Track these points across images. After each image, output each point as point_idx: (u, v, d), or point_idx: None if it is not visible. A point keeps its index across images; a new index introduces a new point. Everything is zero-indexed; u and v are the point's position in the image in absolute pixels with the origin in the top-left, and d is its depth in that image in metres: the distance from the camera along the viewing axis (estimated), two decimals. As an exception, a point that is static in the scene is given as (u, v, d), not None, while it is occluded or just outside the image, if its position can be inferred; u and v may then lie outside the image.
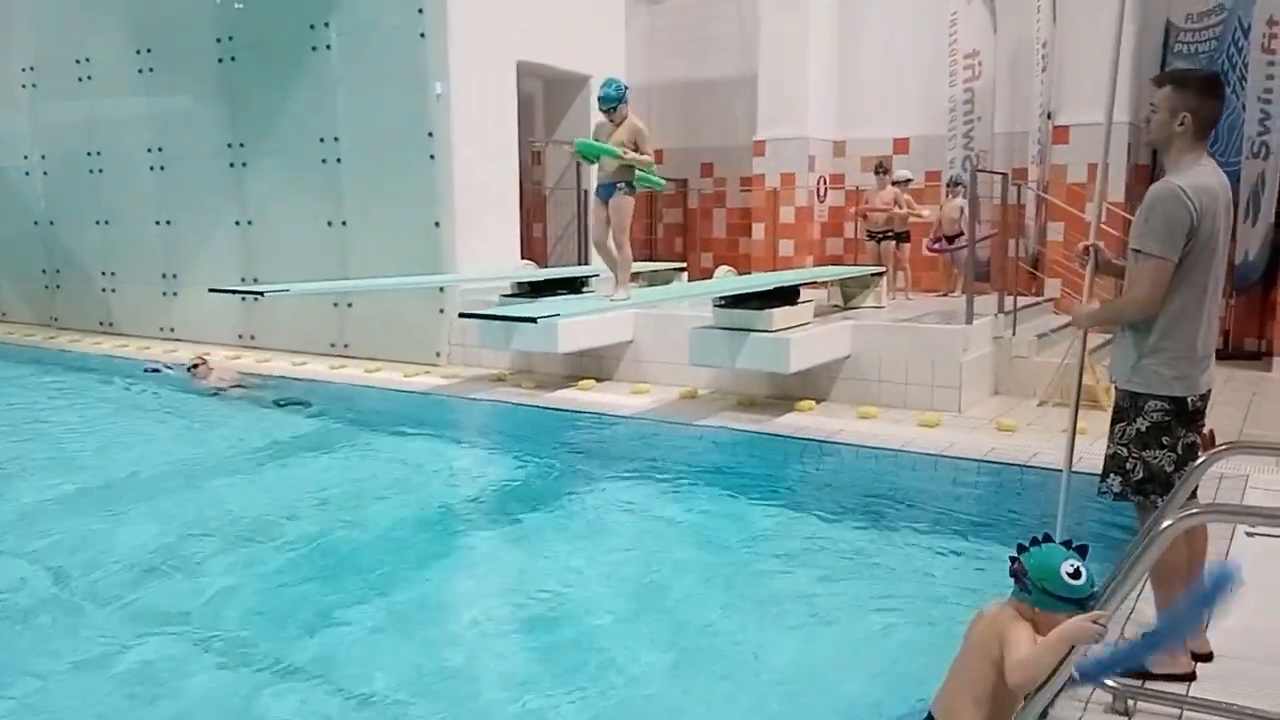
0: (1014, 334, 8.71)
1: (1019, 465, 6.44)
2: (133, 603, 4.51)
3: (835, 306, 9.75)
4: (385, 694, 3.65)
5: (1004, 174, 9.64)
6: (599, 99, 7.34)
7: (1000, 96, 11.78)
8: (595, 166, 7.86)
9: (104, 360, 11.52)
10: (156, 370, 10.55)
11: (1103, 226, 3.60)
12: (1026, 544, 2.59)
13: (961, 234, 10.53)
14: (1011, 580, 2.59)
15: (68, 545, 5.31)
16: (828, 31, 12.97)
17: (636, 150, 7.30)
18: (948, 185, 11.16)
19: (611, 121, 7.38)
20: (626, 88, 7.34)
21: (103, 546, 5.28)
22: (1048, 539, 2.61)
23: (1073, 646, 2.42)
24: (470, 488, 6.77)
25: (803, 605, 4.48)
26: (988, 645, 2.57)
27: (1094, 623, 2.41)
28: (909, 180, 11.08)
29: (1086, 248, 3.63)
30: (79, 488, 6.42)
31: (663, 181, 8.09)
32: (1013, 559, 2.60)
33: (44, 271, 14.26)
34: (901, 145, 12.95)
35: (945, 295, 11.09)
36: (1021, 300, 9.57)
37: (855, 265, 11.77)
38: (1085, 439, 5.19)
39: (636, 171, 7.49)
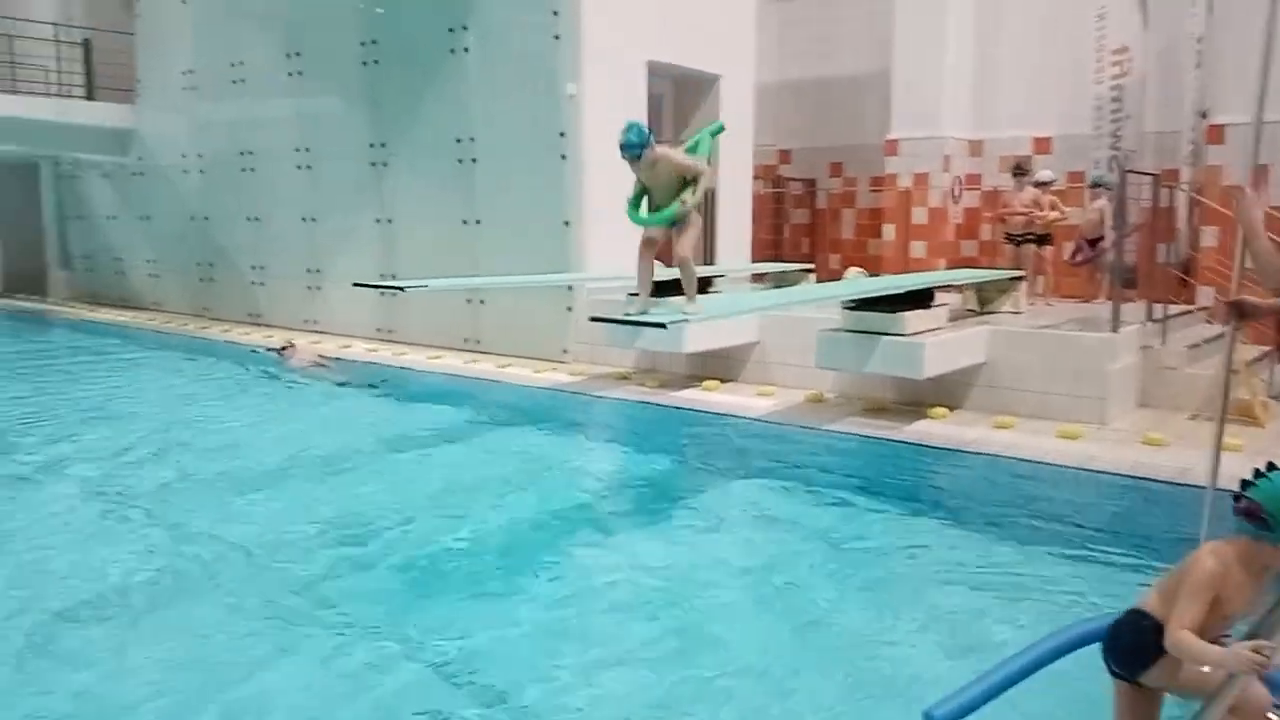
0: (1163, 343, 8.28)
1: (1166, 482, 6.12)
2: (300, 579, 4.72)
3: (971, 311, 9.46)
4: (515, 689, 3.72)
5: (1154, 175, 9.18)
6: (622, 147, 6.20)
7: (1150, 94, 11.23)
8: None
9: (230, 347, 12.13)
10: (256, 351, 11.64)
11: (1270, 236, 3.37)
12: (1250, 478, 2.46)
13: (1103, 238, 10.07)
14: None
15: (251, 519, 5.61)
16: (965, 27, 12.62)
17: (684, 180, 6.27)
18: (1090, 187, 10.70)
19: (643, 165, 6.29)
20: (650, 131, 6.24)
21: (265, 529, 5.54)
22: (1272, 467, 2.46)
23: (1232, 673, 2.30)
24: (593, 484, 6.82)
25: (944, 622, 4.36)
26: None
27: (1255, 652, 2.29)
28: (1051, 181, 10.65)
29: (1230, 304, 3.43)
30: (250, 468, 6.77)
31: (713, 137, 6.65)
32: (1237, 496, 2.46)
33: (198, 265, 15.11)
34: (1043, 145, 12.49)
35: (1088, 302, 10.63)
36: (1172, 308, 9.08)
37: (992, 268, 11.40)
38: (1238, 456, 4.89)
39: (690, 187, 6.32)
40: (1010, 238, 10.66)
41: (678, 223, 6.24)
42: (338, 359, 11.07)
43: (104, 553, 5.11)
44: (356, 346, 12.01)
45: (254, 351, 11.68)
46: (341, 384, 9.91)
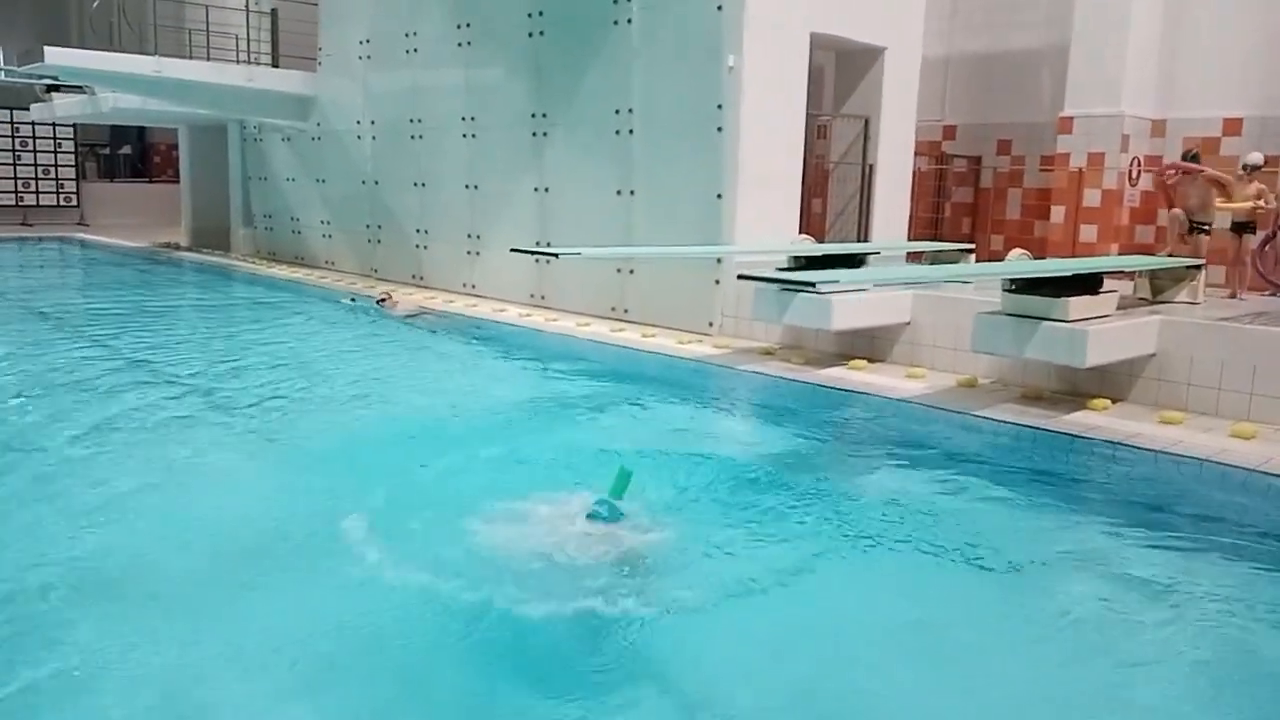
0: (1359, 342, 7.64)
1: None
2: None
3: (1142, 300, 8.98)
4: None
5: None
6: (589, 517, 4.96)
7: (1364, 70, 10.30)
8: None
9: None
10: (354, 300, 12.76)
11: None
12: None
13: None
14: None
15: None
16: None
17: None
18: (1289, 170, 9.92)
19: None
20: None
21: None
22: None
23: None
24: (735, 457, 6.83)
25: (1093, 632, 4.21)
26: None
27: None
28: (1260, 165, 9.85)
29: None
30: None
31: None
32: None
33: (368, 227, 15.85)
34: (1233, 126, 11.64)
35: (1275, 295, 9.90)
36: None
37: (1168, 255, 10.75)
38: None
39: None
40: (1195, 226, 9.93)
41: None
42: (433, 310, 12.09)
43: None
44: (510, 311, 12.37)
45: (351, 300, 12.84)
46: (434, 331, 11.00)
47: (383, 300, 12.17)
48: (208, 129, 20.14)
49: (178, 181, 22.68)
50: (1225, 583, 4.58)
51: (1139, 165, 12.23)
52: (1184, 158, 10.03)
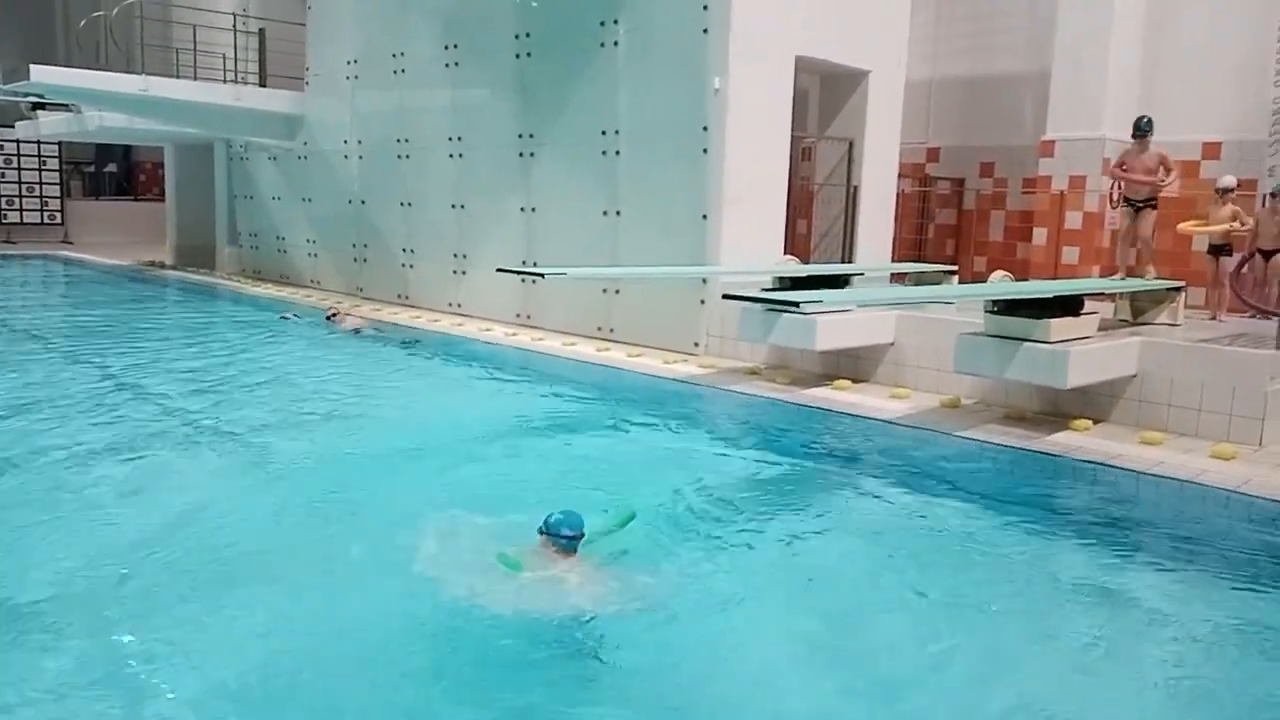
0: (1336, 364, 7.73)
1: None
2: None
3: (1123, 321, 9.06)
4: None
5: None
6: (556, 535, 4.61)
7: (1338, 97, 10.47)
8: None
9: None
10: (288, 318, 13.05)
11: None
12: None
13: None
14: None
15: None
16: (1132, 25, 12.03)
17: None
18: (1271, 195, 10.03)
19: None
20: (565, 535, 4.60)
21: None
22: None
23: None
24: (717, 478, 6.83)
25: (1082, 649, 4.23)
26: None
27: None
28: (1233, 189, 9.94)
29: None
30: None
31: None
32: None
33: (354, 246, 15.85)
34: (1211, 150, 11.82)
35: (1252, 317, 10.00)
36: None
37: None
38: None
39: None
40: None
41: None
42: (382, 324, 12.57)
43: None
44: (496, 330, 12.38)
45: (286, 318, 13.07)
46: (406, 343, 11.41)
47: (332, 315, 12.43)
48: (194, 147, 20.13)
49: (163, 200, 22.65)
50: (1214, 601, 4.61)
51: (1119, 188, 12.36)
52: (1136, 129, 9.90)
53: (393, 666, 3.81)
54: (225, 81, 16.82)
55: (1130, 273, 9.88)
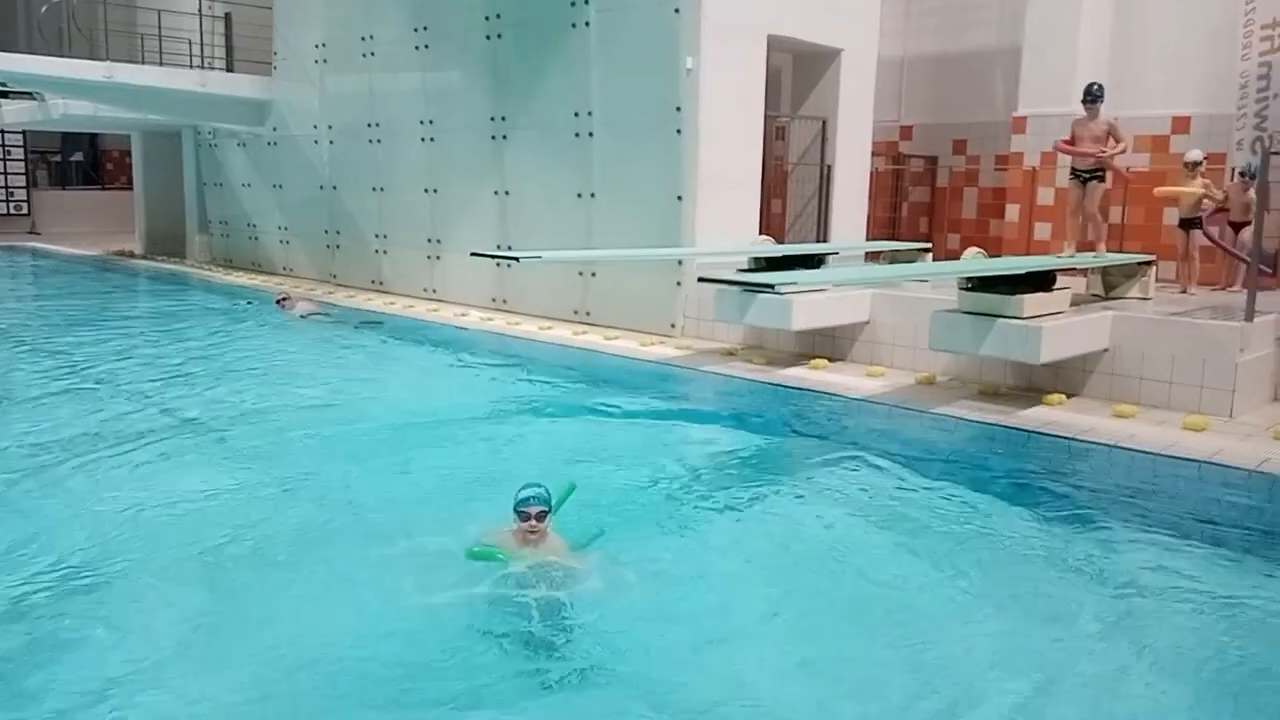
0: (1303, 335, 7.84)
1: (1300, 480, 5.84)
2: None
3: (1095, 296, 9.13)
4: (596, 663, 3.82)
5: (1303, 157, 8.65)
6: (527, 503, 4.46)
7: (1305, 70, 10.54)
8: None
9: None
10: (241, 304, 13.12)
11: None
12: None
13: (1249, 223, 9.54)
14: None
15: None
16: (1103, 1, 12.05)
17: None
18: (1240, 174, 10.09)
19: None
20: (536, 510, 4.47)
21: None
22: None
23: None
24: (695, 459, 6.86)
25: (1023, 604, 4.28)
26: None
27: None
28: (1200, 162, 9.98)
29: None
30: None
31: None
32: None
33: (326, 232, 15.72)
34: (1181, 124, 11.88)
35: (1224, 289, 10.11)
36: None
37: (1120, 252, 10.95)
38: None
39: None
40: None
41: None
42: (332, 309, 12.58)
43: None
44: (472, 315, 12.33)
45: (248, 303, 13.08)
46: (342, 328, 11.40)
47: (282, 300, 12.42)
48: (162, 135, 19.86)
49: (131, 188, 22.35)
50: (1182, 570, 4.67)
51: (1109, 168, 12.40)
52: (1086, 94, 9.47)
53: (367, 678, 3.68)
54: (191, 67, 16.58)
55: (1081, 248, 9.57)
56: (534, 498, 4.44)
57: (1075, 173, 9.44)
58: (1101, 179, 9.40)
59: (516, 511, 4.46)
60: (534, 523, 4.42)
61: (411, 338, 11.10)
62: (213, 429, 6.95)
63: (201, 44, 16.84)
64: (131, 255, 20.17)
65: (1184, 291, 9.81)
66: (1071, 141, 9.37)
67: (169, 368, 9.11)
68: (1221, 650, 3.95)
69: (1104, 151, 9.18)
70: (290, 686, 3.55)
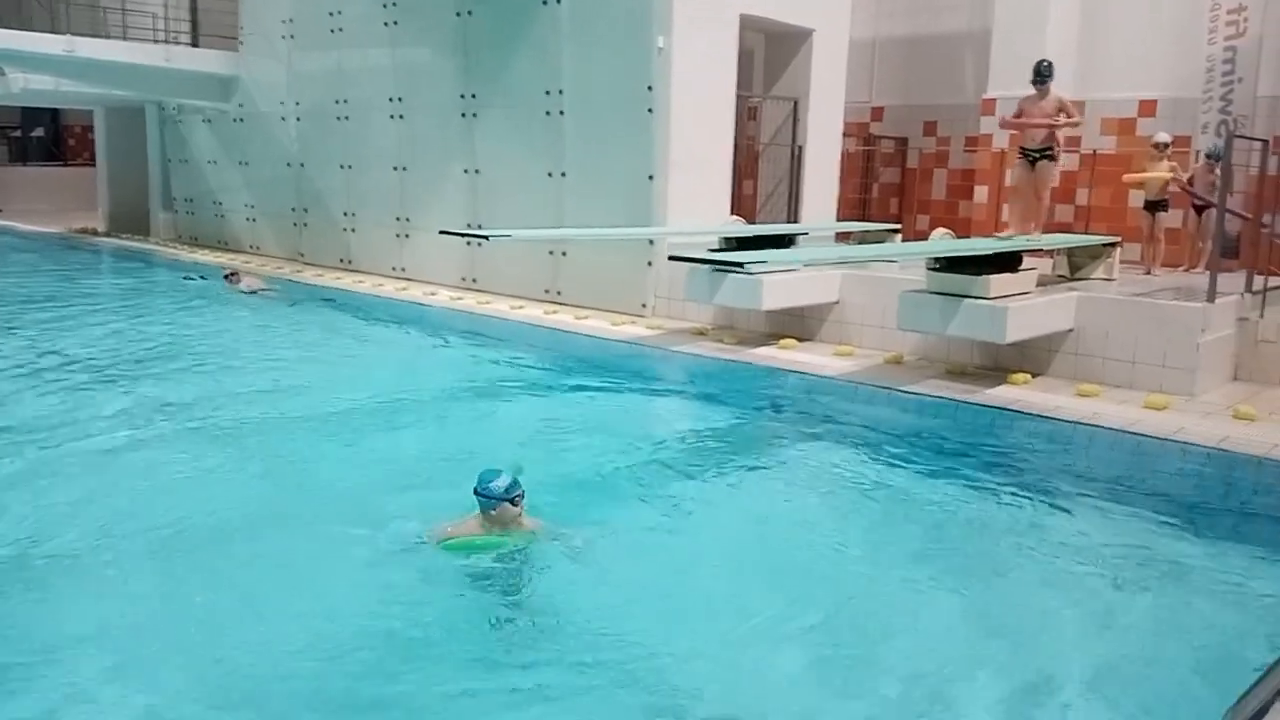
0: (1262, 316, 7.97)
1: (1256, 457, 5.95)
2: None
3: (1061, 277, 9.24)
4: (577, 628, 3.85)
5: (1264, 141, 8.78)
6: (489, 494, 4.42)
7: (1267, 56, 10.68)
8: None
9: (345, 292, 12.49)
10: (191, 279, 13.17)
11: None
12: None
13: (1211, 205, 9.68)
14: None
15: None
16: (1072, -18, 12.13)
17: None
18: (1206, 157, 10.18)
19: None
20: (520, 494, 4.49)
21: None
22: None
23: None
24: (665, 436, 6.88)
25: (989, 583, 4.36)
26: None
27: None
28: (1168, 144, 10.06)
29: None
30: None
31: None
32: None
33: (294, 210, 15.54)
34: (1148, 107, 11.99)
35: (1187, 270, 10.26)
36: (1274, 280, 8.72)
37: (1086, 234, 11.07)
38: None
39: None
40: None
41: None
42: (292, 283, 12.77)
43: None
44: (442, 294, 12.26)
45: (189, 279, 13.12)
46: (292, 304, 11.60)
47: (230, 275, 12.46)
48: (125, 110, 19.49)
49: (94, 165, 21.95)
50: (1140, 541, 4.76)
51: (1059, 146, 12.51)
52: (1036, 74, 8.98)
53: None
54: (155, 41, 16.27)
55: (1021, 231, 8.81)
56: (515, 483, 4.44)
57: (1024, 152, 8.92)
58: (1052, 158, 8.86)
59: (500, 500, 4.38)
60: (519, 507, 4.44)
61: (371, 315, 11.03)
62: (167, 408, 6.86)
63: (166, 18, 16.54)
64: (94, 233, 19.84)
65: (1148, 273, 9.94)
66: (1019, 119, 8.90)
67: (122, 346, 8.97)
68: (1176, 611, 4.06)
69: (1056, 122, 8.67)
70: (250, 672, 3.53)
